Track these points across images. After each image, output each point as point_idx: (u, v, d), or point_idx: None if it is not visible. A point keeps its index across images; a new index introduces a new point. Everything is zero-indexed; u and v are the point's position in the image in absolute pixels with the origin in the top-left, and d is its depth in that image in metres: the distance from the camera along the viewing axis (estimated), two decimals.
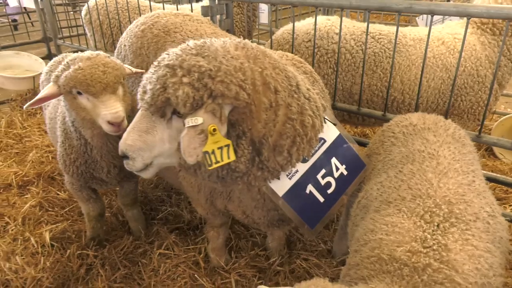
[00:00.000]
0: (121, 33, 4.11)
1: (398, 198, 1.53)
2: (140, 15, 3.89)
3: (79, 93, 2.08)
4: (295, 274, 2.63)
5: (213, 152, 1.44)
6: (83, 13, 4.47)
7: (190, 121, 1.41)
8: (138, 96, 1.58)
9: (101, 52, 2.24)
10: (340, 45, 2.68)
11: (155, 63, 1.56)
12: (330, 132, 1.86)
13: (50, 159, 3.83)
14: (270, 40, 3.04)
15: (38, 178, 3.54)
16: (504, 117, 4.11)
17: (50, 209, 3.14)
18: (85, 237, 2.85)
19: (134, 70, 2.30)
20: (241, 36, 3.15)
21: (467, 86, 2.86)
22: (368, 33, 2.78)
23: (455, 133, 1.88)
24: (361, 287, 1.28)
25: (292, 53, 2.86)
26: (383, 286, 1.25)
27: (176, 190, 3.40)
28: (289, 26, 3.11)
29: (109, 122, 2.03)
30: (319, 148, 1.82)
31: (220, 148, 1.46)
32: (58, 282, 2.49)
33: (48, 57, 5.20)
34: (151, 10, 3.79)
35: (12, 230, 2.83)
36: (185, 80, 1.42)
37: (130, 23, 3.91)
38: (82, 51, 2.75)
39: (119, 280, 2.56)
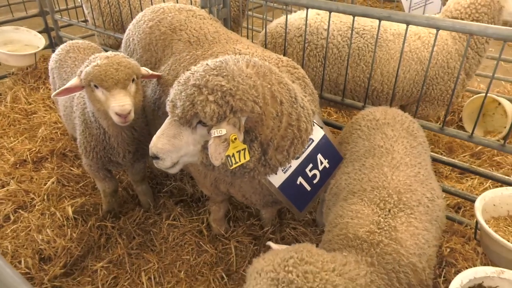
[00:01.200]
0: (120, 12, 4.30)
1: (361, 189, 1.96)
2: None
3: (96, 86, 2.40)
4: (285, 241, 3.09)
5: (233, 155, 1.82)
6: None
7: (215, 132, 1.76)
8: (168, 108, 1.89)
9: (120, 53, 2.53)
10: (328, 41, 2.99)
11: (181, 80, 1.87)
12: (317, 133, 2.24)
13: (59, 135, 4.12)
14: (264, 31, 3.31)
15: (51, 154, 3.85)
16: (475, 96, 4.51)
17: (66, 184, 3.50)
18: (101, 210, 3.25)
19: (150, 72, 2.59)
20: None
21: (438, 76, 3.24)
22: (353, 29, 3.10)
23: (409, 127, 2.29)
24: (337, 253, 1.69)
25: (284, 46, 3.17)
26: (351, 255, 1.68)
27: None
28: (282, 19, 3.36)
29: (117, 114, 2.34)
30: (308, 147, 2.21)
31: (239, 151, 1.84)
32: (84, 250, 2.92)
33: (45, 30, 5.30)
34: None
35: (38, 205, 3.21)
36: (210, 98, 1.74)
37: (129, 2, 4.08)
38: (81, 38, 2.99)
39: (135, 247, 2.99)
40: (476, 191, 3.49)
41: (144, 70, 2.58)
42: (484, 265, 2.57)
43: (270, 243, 1.78)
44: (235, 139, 1.78)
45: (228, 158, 1.81)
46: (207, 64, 1.88)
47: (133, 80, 2.46)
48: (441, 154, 4.09)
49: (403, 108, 3.74)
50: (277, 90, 1.91)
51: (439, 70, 3.21)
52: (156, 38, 2.89)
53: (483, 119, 4.63)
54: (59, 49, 3.36)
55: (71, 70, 3.12)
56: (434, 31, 2.40)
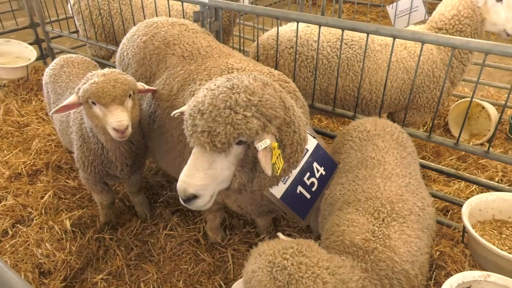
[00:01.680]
0: (112, 23, 4.34)
1: (355, 200, 2.04)
2: (130, 5, 4.12)
3: (93, 103, 2.45)
4: None
5: (275, 162, 1.88)
6: (71, 2, 4.59)
7: (261, 145, 1.81)
8: (200, 140, 1.78)
9: (116, 70, 2.59)
10: (318, 52, 3.09)
11: (202, 108, 1.79)
12: (311, 143, 2.33)
13: (53, 147, 4.14)
14: (256, 43, 3.39)
15: (46, 167, 3.87)
16: (460, 100, 4.66)
17: (63, 197, 3.53)
18: (99, 221, 3.29)
19: (146, 87, 2.65)
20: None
21: (424, 85, 3.36)
22: (342, 42, 3.21)
23: (398, 137, 2.40)
24: (336, 256, 1.75)
25: (276, 57, 3.26)
26: (348, 260, 1.76)
27: (174, 177, 3.83)
28: (273, 31, 3.45)
29: (115, 129, 2.40)
30: (304, 156, 2.29)
31: (278, 157, 1.90)
32: (84, 262, 2.96)
33: (36, 42, 5.31)
34: (142, 4, 4.01)
35: (36, 219, 3.24)
36: (248, 114, 1.76)
37: (121, 14, 4.12)
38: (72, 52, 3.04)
39: (133, 258, 3.04)
40: (463, 193, 3.62)
41: (140, 85, 2.64)
42: (472, 267, 2.69)
43: (279, 234, 1.86)
44: (276, 146, 1.86)
45: (274, 165, 1.87)
46: (219, 86, 1.86)
47: (129, 95, 2.52)
48: (429, 158, 4.22)
49: (391, 115, 3.86)
50: (284, 97, 1.99)
51: (425, 79, 3.33)
52: (150, 52, 2.96)
53: (468, 122, 4.78)
54: (53, 64, 3.40)
55: (66, 85, 3.16)
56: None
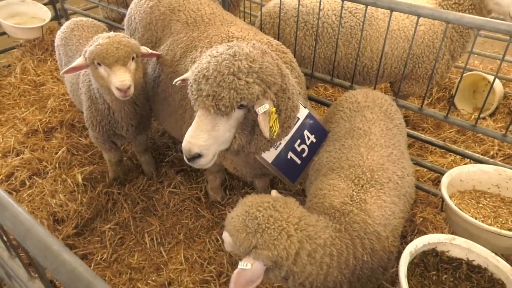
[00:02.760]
0: None
1: (339, 167, 2.20)
2: None
3: (98, 64, 2.61)
4: None
5: (272, 125, 2.04)
6: None
7: (261, 109, 1.95)
8: (204, 104, 1.89)
9: (121, 34, 2.72)
10: (322, 20, 3.15)
11: (207, 74, 1.90)
12: (302, 112, 2.46)
13: (67, 107, 4.36)
14: (260, 12, 3.46)
15: (61, 125, 4.12)
16: (467, 73, 4.65)
17: (76, 153, 3.79)
18: (108, 177, 3.55)
19: (150, 51, 2.78)
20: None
21: (423, 55, 3.39)
22: (346, 8, 3.25)
23: (387, 110, 2.51)
24: (314, 215, 1.92)
25: (278, 26, 3.33)
26: (323, 220, 1.92)
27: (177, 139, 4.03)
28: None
29: (118, 88, 2.55)
30: (295, 124, 2.44)
31: (274, 121, 2.06)
32: (93, 213, 3.24)
33: (50, 2, 5.42)
34: None
35: (51, 172, 3.51)
36: (250, 80, 1.89)
37: None
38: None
39: (139, 212, 3.31)
40: (457, 165, 3.72)
41: (144, 49, 2.77)
42: (452, 233, 2.85)
43: (273, 191, 2.02)
44: (274, 111, 2.01)
45: (271, 128, 2.03)
46: (221, 53, 1.96)
47: (133, 58, 2.65)
48: (429, 130, 4.30)
49: (392, 84, 3.92)
50: (280, 64, 2.12)
51: (425, 49, 3.36)
52: (156, 18, 3.07)
53: (473, 95, 4.80)
54: (64, 27, 3.54)
55: (76, 48, 3.32)
56: None
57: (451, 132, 4.20)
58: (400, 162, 2.27)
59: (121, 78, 2.54)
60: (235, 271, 1.63)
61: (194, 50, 2.70)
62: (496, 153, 3.85)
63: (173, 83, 2.35)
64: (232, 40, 2.60)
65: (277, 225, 1.67)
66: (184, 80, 2.24)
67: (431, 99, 4.80)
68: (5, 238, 1.62)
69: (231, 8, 4.13)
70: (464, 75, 4.61)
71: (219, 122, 1.96)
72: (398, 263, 1.87)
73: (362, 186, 2.08)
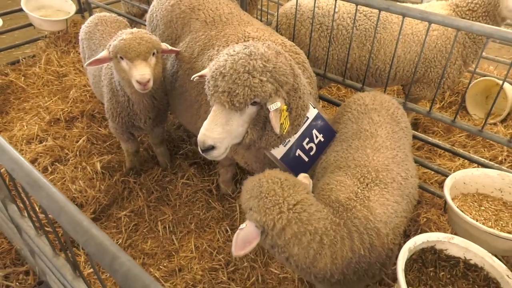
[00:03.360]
0: None
1: (346, 165, 2.30)
2: None
3: (121, 58, 2.75)
4: None
5: (283, 122, 2.16)
6: None
7: (273, 106, 2.07)
8: (220, 99, 2.01)
9: (143, 30, 2.86)
10: (337, 22, 3.24)
11: (223, 71, 2.02)
12: (311, 112, 2.57)
13: (88, 98, 4.55)
14: (277, 13, 3.56)
15: (81, 115, 4.30)
16: (479, 78, 4.69)
17: (95, 143, 3.96)
18: (125, 167, 3.71)
19: (169, 47, 2.92)
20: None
21: (436, 60, 3.46)
22: (361, 11, 3.34)
23: (394, 113, 2.59)
24: (318, 204, 2.00)
25: (294, 29, 3.43)
26: (323, 212, 2.00)
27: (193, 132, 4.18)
28: (295, 1, 3.58)
29: (138, 81, 2.68)
30: (304, 123, 2.55)
31: (285, 119, 2.19)
32: (110, 200, 3.40)
33: None
34: None
35: (71, 160, 3.69)
36: (264, 79, 2.01)
37: None
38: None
39: (153, 201, 3.46)
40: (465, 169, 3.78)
41: (164, 45, 2.90)
42: (454, 234, 2.93)
43: (302, 175, 2.12)
44: (285, 108, 2.13)
45: (282, 125, 2.17)
46: (238, 52, 2.08)
47: (153, 53, 2.79)
48: (439, 133, 4.36)
49: (404, 87, 3.99)
50: (293, 65, 2.24)
51: (438, 54, 3.43)
52: (176, 16, 3.20)
53: (486, 101, 4.83)
54: (88, 21, 3.70)
55: (99, 42, 3.47)
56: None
57: (461, 136, 4.24)
58: (404, 164, 2.36)
59: (142, 72, 2.67)
60: (236, 232, 1.81)
61: (211, 48, 2.83)
62: (505, 159, 3.88)
63: (191, 78, 2.47)
64: (248, 40, 2.72)
65: (274, 199, 1.82)
66: (201, 76, 2.37)
67: (443, 103, 4.84)
68: (34, 218, 1.78)
69: (250, 7, 4.25)
70: (477, 80, 4.69)
71: (233, 117, 2.08)
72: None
73: (367, 185, 2.17)
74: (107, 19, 3.65)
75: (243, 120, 2.13)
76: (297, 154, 2.63)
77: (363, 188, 2.16)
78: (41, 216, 2.55)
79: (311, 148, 2.68)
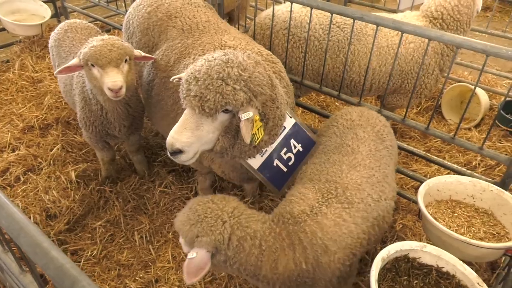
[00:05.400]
0: None
1: (318, 179, 2.27)
2: None
3: (92, 65, 2.69)
4: (263, 210, 3.49)
5: (255, 133, 2.14)
6: None
7: (244, 115, 2.04)
8: (191, 103, 2.00)
9: (115, 37, 2.81)
10: (310, 33, 3.25)
11: (198, 76, 2.01)
12: (288, 121, 2.57)
13: (64, 104, 4.45)
14: (253, 22, 3.56)
15: (56, 122, 4.20)
16: (454, 84, 4.79)
17: (70, 151, 3.88)
18: (101, 175, 3.65)
19: (143, 54, 2.88)
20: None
21: (413, 72, 3.51)
22: (335, 23, 3.37)
23: (380, 130, 2.55)
24: (253, 210, 2.04)
25: (270, 37, 3.44)
26: (264, 218, 2.02)
27: None
28: (270, 11, 3.58)
29: (109, 88, 2.64)
30: (281, 133, 2.55)
31: (258, 129, 2.16)
32: (85, 210, 3.33)
33: (50, 0, 5.50)
34: None
35: (45, 169, 3.60)
36: (237, 87, 1.99)
37: None
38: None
39: (130, 210, 3.40)
40: (441, 174, 3.85)
41: (137, 52, 2.85)
42: (429, 240, 2.97)
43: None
44: (258, 119, 2.11)
45: (254, 135, 2.14)
46: (215, 59, 2.07)
47: (125, 60, 2.74)
48: (416, 138, 4.43)
49: (379, 97, 4.04)
50: (271, 75, 2.23)
51: (414, 66, 3.47)
52: (153, 23, 3.17)
53: (461, 106, 4.93)
54: (58, 28, 3.61)
55: (69, 49, 3.40)
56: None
57: (437, 141, 4.32)
58: (380, 185, 2.28)
59: (113, 79, 2.63)
60: (185, 262, 1.82)
61: (188, 56, 2.81)
62: (479, 164, 3.97)
63: (170, 79, 2.43)
64: (224, 48, 2.71)
65: (214, 214, 1.85)
66: (180, 79, 2.35)
67: (420, 108, 4.93)
68: None
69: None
70: (452, 86, 4.79)
71: (204, 123, 2.06)
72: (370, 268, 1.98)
73: (328, 200, 2.12)
74: (77, 26, 3.57)
75: (214, 126, 2.10)
76: (275, 164, 2.63)
77: (323, 203, 2.11)
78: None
79: (289, 158, 2.68)
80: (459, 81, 4.94)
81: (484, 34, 5.25)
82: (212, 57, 2.11)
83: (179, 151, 2.06)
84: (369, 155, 2.39)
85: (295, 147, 2.68)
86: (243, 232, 1.85)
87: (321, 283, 2.02)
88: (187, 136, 2.03)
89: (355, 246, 2.07)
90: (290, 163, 2.69)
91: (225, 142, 2.20)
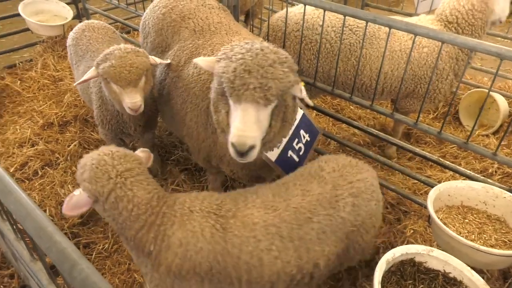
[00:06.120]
0: None
1: (237, 195, 2.18)
2: None
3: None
4: None
5: None
6: None
7: (301, 89, 2.13)
8: (251, 95, 1.92)
9: (132, 48, 2.76)
10: (322, 36, 3.26)
11: (246, 67, 1.94)
12: (298, 113, 2.59)
13: (82, 102, 4.57)
14: (267, 24, 3.59)
15: (75, 119, 4.33)
16: (472, 90, 4.70)
17: (87, 147, 3.99)
18: None
19: (158, 61, 2.91)
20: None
21: (426, 76, 3.46)
22: (347, 25, 3.36)
23: (354, 185, 2.20)
24: (151, 180, 2.02)
25: (284, 39, 3.46)
26: (154, 187, 2.01)
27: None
28: (283, 13, 3.61)
29: (129, 107, 2.69)
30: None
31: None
32: None
33: (73, 2, 5.67)
34: None
35: (62, 164, 3.71)
36: (285, 69, 2.01)
37: None
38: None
39: None
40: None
41: (153, 59, 2.87)
42: (439, 246, 2.93)
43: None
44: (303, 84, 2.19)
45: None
46: (250, 49, 2.02)
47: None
48: (431, 144, 4.36)
49: (393, 101, 3.99)
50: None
51: (428, 71, 3.42)
52: (167, 24, 3.23)
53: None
54: (76, 28, 3.71)
55: (86, 47, 3.49)
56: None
57: (452, 147, 4.25)
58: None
59: (133, 100, 2.67)
60: (69, 195, 1.94)
61: (197, 57, 2.85)
62: (495, 171, 3.88)
63: (193, 61, 2.40)
64: None
65: (104, 168, 1.90)
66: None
67: (436, 113, 4.86)
68: (12, 221, 1.79)
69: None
70: (470, 91, 4.69)
71: (261, 113, 2.01)
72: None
73: (230, 213, 2.04)
74: (94, 26, 3.67)
75: (268, 114, 2.06)
76: (288, 155, 2.64)
77: (226, 212, 2.04)
78: None
79: (300, 148, 2.70)
80: (478, 87, 4.85)
81: (505, 40, 5.12)
82: (242, 47, 2.06)
83: (251, 148, 1.98)
84: (295, 209, 2.07)
85: (304, 137, 2.70)
86: (122, 193, 1.90)
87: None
88: (254, 129, 1.98)
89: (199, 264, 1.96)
90: (301, 153, 2.70)
91: (277, 126, 2.16)
